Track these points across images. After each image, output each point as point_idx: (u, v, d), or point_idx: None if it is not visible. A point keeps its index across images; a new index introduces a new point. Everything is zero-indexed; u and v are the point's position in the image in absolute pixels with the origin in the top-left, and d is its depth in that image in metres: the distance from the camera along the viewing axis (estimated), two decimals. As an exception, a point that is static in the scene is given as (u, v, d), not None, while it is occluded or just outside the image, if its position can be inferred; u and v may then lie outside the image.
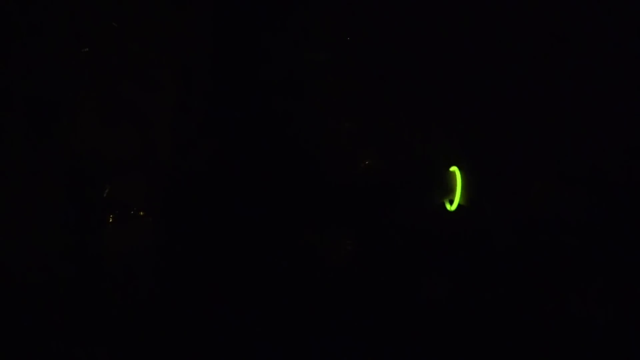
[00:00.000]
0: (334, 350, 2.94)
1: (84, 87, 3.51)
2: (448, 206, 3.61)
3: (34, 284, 3.15)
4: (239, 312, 3.04)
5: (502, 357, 3.02)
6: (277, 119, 3.78)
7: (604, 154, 3.36)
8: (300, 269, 3.35)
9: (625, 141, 3.34)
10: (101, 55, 3.51)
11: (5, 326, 2.88)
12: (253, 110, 3.74)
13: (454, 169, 3.63)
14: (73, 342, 2.81)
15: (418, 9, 3.70)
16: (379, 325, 3.14)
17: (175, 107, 3.90)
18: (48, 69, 3.33)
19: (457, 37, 3.62)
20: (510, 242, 3.47)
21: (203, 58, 3.94)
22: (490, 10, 3.57)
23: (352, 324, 3.12)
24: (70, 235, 3.39)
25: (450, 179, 3.63)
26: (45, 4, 3.28)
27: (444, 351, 3.02)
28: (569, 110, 3.47)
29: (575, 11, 3.50)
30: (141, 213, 3.71)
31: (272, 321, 3.01)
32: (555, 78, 3.51)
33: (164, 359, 2.81)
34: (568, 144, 3.45)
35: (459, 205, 3.58)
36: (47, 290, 3.16)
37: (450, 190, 3.60)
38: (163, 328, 2.98)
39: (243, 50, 3.77)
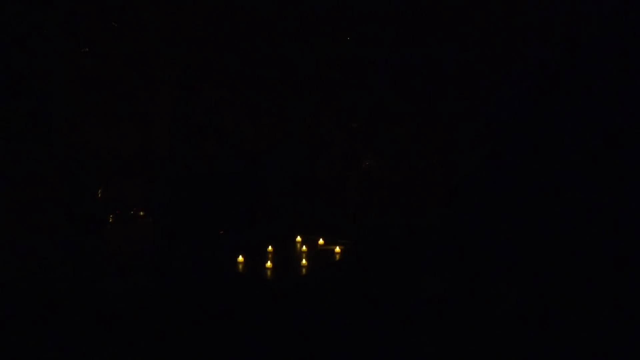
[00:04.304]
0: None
1: (84, 87, 3.52)
2: None
3: (33, 283, 3.14)
4: (238, 311, 3.03)
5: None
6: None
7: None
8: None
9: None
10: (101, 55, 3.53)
11: (5, 326, 2.88)
12: None
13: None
14: (72, 341, 2.80)
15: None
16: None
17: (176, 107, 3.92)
18: (48, 69, 3.34)
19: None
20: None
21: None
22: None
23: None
24: (70, 235, 3.39)
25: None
26: (45, 4, 3.29)
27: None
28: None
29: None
30: (141, 213, 3.72)
31: (270, 321, 2.99)
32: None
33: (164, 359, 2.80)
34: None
35: None
36: (46, 290, 3.15)
37: None
38: (162, 328, 2.96)
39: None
